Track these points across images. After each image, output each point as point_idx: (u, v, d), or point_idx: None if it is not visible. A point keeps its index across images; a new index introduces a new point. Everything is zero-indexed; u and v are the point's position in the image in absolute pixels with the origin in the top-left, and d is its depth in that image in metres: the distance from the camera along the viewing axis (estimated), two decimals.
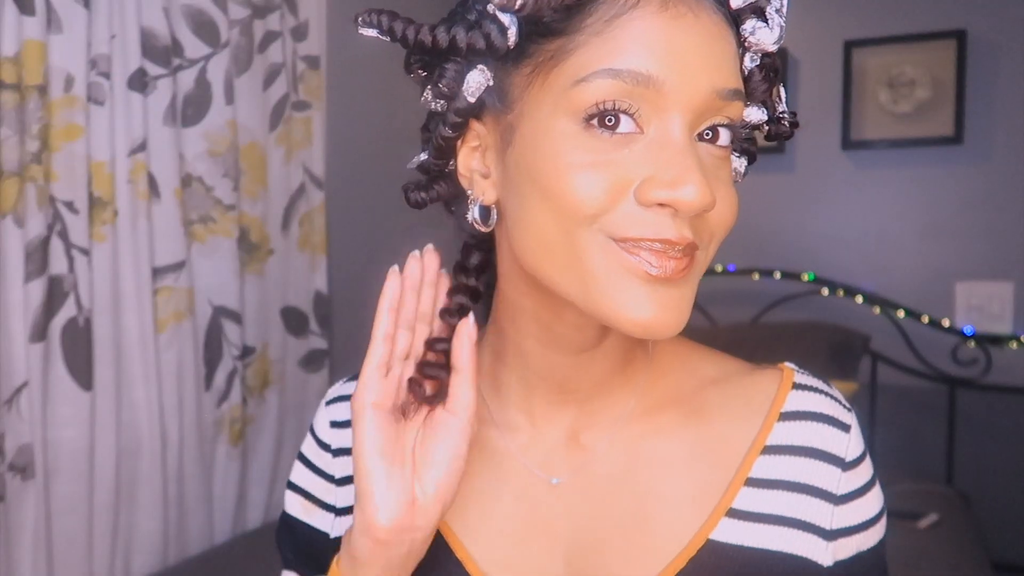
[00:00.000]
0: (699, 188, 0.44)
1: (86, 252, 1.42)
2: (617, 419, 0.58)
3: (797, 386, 0.58)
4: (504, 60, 0.49)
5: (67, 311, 1.40)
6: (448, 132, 0.51)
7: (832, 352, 2.20)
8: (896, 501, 1.94)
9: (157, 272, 1.56)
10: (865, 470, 0.57)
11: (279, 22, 1.82)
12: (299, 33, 1.90)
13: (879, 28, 2.41)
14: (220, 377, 1.70)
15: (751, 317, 2.47)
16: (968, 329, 2.30)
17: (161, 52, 1.53)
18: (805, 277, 2.42)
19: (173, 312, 1.58)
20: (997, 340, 2.27)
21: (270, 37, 1.80)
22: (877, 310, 2.38)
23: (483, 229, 0.53)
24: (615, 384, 0.58)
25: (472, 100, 0.50)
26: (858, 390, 2.20)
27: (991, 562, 1.87)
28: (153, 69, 1.53)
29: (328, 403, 0.67)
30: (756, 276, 2.48)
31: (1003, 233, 2.31)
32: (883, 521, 0.58)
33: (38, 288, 1.33)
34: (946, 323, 2.32)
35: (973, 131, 2.32)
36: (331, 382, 2.06)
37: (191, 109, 1.62)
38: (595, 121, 0.46)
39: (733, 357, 0.62)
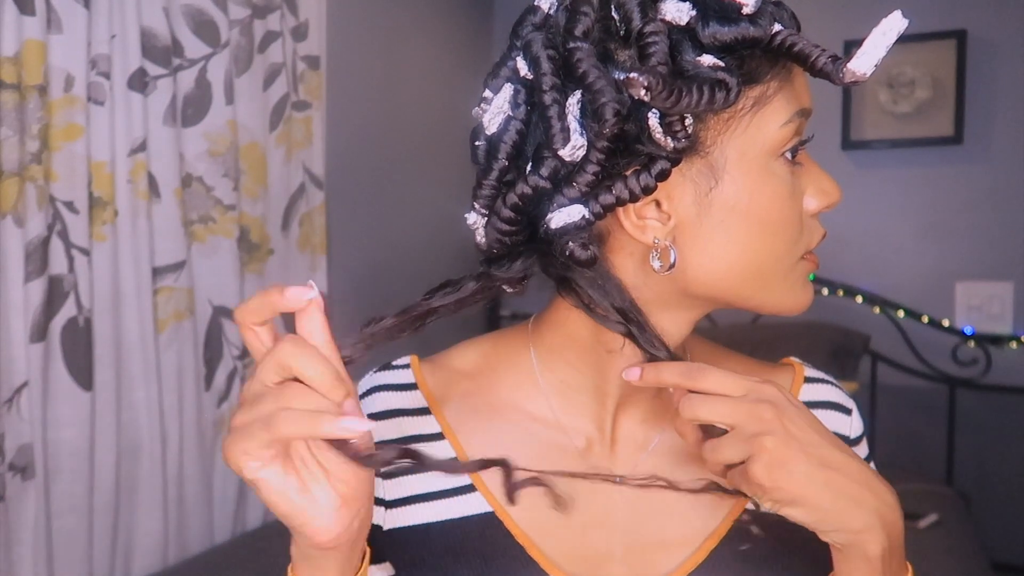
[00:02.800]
0: (839, 186, 0.57)
1: (86, 252, 1.42)
2: (666, 417, 0.64)
3: (808, 379, 0.68)
4: None
5: (67, 311, 1.40)
6: (652, 183, 0.51)
7: (832, 352, 2.20)
8: None
9: (157, 272, 1.56)
10: (864, 446, 0.67)
11: (279, 22, 1.82)
12: (299, 33, 1.90)
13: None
14: (220, 377, 1.70)
15: (751, 317, 2.47)
16: (968, 329, 2.31)
17: (161, 52, 1.53)
18: None
19: (173, 312, 1.58)
20: (997, 340, 2.27)
21: (270, 37, 1.80)
22: (877, 310, 2.38)
23: (665, 272, 0.54)
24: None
25: (683, 146, 0.50)
26: (858, 390, 2.20)
27: (991, 562, 1.88)
28: (153, 69, 1.53)
29: (361, 397, 0.67)
30: None
31: (1003, 233, 2.31)
32: None
33: (38, 288, 1.33)
34: (946, 323, 2.32)
35: (973, 131, 2.33)
36: None
37: (191, 109, 1.62)
38: (789, 155, 0.54)
39: (748, 357, 0.70)
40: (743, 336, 2.31)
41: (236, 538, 1.73)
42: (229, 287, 1.70)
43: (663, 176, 0.51)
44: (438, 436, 0.64)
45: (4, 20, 1.26)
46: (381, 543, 0.63)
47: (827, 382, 0.68)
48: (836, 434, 0.63)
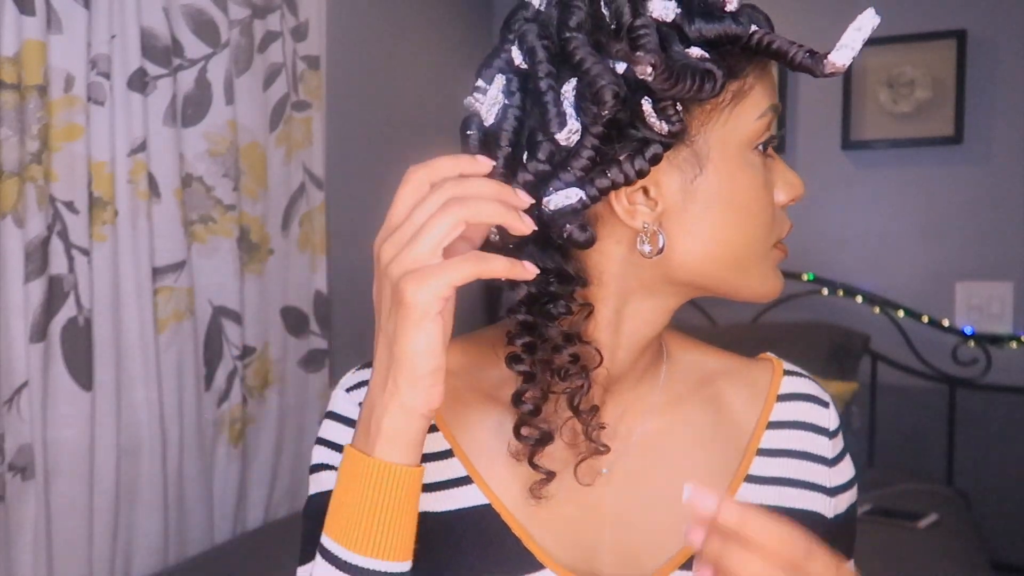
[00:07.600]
0: (803, 181, 0.61)
1: (86, 252, 1.42)
2: (648, 409, 0.66)
3: (787, 372, 0.70)
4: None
5: (67, 311, 1.40)
6: (646, 166, 0.53)
7: (832, 352, 2.20)
8: (896, 501, 1.94)
9: (157, 272, 1.56)
10: (841, 438, 0.70)
11: (279, 22, 1.82)
12: (299, 33, 1.90)
13: (879, 28, 2.39)
14: (220, 377, 1.70)
15: (751, 317, 2.47)
16: (968, 329, 2.30)
17: (161, 52, 1.53)
18: (805, 277, 2.42)
19: (173, 312, 1.58)
20: (997, 340, 2.27)
21: (270, 37, 1.80)
22: (877, 310, 2.38)
23: (654, 257, 0.57)
24: (646, 377, 0.66)
25: (676, 130, 0.53)
26: (858, 390, 2.20)
27: (991, 562, 1.87)
28: (153, 69, 1.53)
29: (349, 390, 0.68)
30: None
31: (1003, 233, 2.31)
32: (856, 485, 0.70)
33: (38, 288, 1.33)
34: (946, 323, 2.32)
35: (973, 131, 2.32)
36: (331, 382, 2.06)
37: (191, 109, 1.62)
38: (761, 147, 0.58)
39: (724, 351, 0.71)
40: (743, 336, 2.32)
41: (236, 538, 1.73)
42: (229, 287, 1.70)
43: (656, 160, 0.53)
44: (431, 428, 0.64)
45: (4, 20, 1.26)
46: None
47: (804, 376, 0.70)
48: (815, 426, 0.67)
